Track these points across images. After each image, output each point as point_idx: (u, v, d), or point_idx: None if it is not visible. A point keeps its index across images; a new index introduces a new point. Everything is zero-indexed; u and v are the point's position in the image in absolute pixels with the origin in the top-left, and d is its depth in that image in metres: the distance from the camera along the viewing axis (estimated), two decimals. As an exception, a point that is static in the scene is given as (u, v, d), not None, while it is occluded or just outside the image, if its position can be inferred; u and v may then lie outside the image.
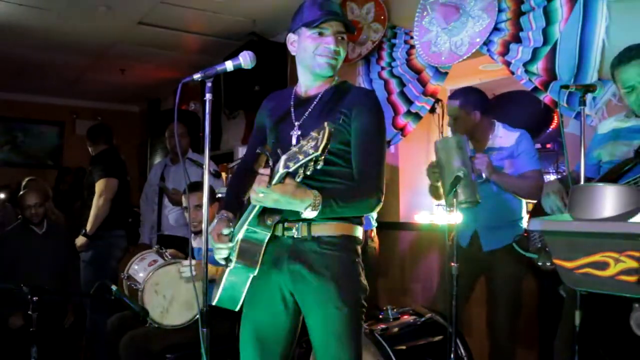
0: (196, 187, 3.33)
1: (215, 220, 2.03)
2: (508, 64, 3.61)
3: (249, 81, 5.55)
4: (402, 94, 4.35)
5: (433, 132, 4.61)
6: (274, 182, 1.70)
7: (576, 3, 3.31)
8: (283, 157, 1.66)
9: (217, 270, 2.36)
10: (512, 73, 3.60)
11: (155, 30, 5.76)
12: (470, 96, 3.26)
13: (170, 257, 3.24)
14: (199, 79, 1.91)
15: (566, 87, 2.56)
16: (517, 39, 3.58)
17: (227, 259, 2.01)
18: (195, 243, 3.39)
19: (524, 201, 3.21)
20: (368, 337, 2.81)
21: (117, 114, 9.09)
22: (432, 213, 4.26)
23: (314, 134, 1.58)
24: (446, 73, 4.06)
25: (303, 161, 1.57)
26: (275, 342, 2.07)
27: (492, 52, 3.71)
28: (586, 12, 3.28)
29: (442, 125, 4.52)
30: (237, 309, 2.06)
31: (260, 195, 1.75)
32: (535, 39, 3.48)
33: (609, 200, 0.76)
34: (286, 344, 2.09)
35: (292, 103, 2.13)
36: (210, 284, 2.02)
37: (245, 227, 1.91)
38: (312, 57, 2.02)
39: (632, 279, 0.73)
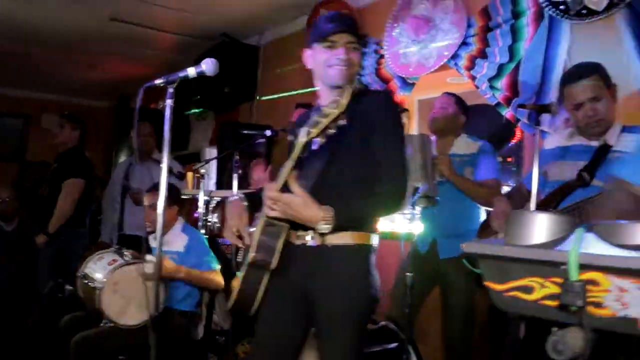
0: (157, 187, 3.31)
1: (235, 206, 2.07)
2: (473, 78, 3.68)
3: (219, 82, 5.55)
4: (370, 103, 4.40)
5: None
6: (294, 154, 1.77)
7: (542, 22, 3.39)
8: (304, 127, 1.74)
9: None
10: (477, 87, 3.67)
11: (128, 27, 5.72)
12: (462, 100, 3.42)
13: (130, 256, 3.22)
14: (161, 85, 1.92)
15: (523, 106, 2.62)
16: (483, 55, 3.65)
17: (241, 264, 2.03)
18: (155, 243, 3.38)
19: (482, 211, 3.28)
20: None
21: (85, 109, 8.91)
22: (393, 221, 4.30)
23: (335, 97, 1.69)
24: (413, 84, 4.12)
25: (324, 122, 1.67)
26: (288, 338, 2.06)
27: (459, 66, 3.77)
28: (551, 32, 3.35)
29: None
30: (252, 313, 2.02)
31: (270, 202, 1.83)
32: (501, 55, 3.55)
33: (538, 227, 0.79)
34: (298, 342, 2.09)
35: (314, 114, 2.15)
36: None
37: (263, 220, 1.92)
38: (325, 69, 2.04)
39: (553, 303, 0.76)
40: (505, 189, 3.49)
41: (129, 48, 6.42)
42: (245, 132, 4.59)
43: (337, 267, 1.94)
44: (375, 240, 2.05)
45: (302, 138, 1.73)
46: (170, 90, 1.89)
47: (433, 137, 3.43)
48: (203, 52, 5.87)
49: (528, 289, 0.79)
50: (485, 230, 2.63)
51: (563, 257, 0.74)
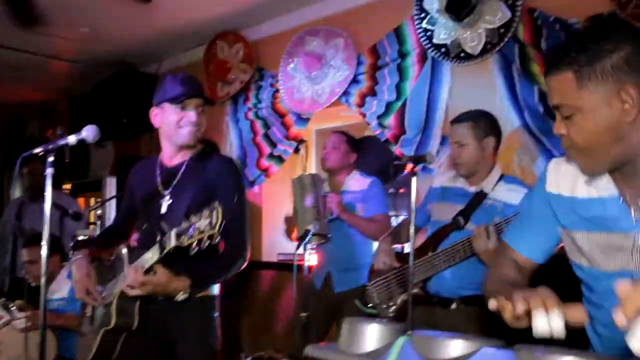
0: (36, 240, 3.23)
1: (77, 271, 2.12)
2: (364, 115, 3.84)
3: (118, 112, 5.46)
4: (267, 136, 4.48)
5: (298, 172, 4.75)
6: (165, 251, 1.84)
7: (425, 63, 3.60)
8: (173, 232, 1.81)
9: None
10: (368, 124, 3.84)
11: (18, 55, 5.52)
12: (353, 138, 3.53)
13: (17, 310, 3.12)
14: (41, 153, 1.91)
15: (399, 159, 2.76)
16: (373, 92, 3.82)
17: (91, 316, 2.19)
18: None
19: (374, 245, 3.43)
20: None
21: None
22: (290, 256, 4.40)
23: (206, 212, 1.74)
24: (308, 119, 4.23)
25: (198, 237, 1.74)
26: None
27: (350, 103, 3.93)
28: (434, 73, 3.57)
29: (305, 165, 4.68)
30: None
31: (136, 286, 1.90)
32: (389, 93, 3.73)
33: (369, 336, 0.90)
34: None
35: (158, 172, 2.25)
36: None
37: (119, 289, 2.02)
38: (175, 129, 2.14)
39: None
40: (399, 219, 3.67)
41: (22, 74, 6.18)
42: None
43: (187, 316, 2.10)
44: (215, 291, 2.24)
45: (174, 242, 1.81)
46: (50, 159, 1.88)
47: (325, 175, 3.56)
48: (100, 80, 5.76)
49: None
50: (374, 273, 2.76)
51: (384, 367, 0.85)
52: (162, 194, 2.19)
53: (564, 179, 1.42)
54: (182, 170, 2.20)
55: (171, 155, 2.23)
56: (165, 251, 1.85)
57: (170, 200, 2.16)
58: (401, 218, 4.02)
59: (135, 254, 2.03)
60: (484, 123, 2.54)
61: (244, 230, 2.19)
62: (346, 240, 3.36)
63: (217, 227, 1.73)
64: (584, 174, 1.33)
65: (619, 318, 0.89)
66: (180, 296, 1.97)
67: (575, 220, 1.38)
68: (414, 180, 2.36)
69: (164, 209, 2.16)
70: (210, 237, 1.75)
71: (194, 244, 1.77)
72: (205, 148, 2.30)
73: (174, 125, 2.13)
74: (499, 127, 2.60)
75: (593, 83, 1.19)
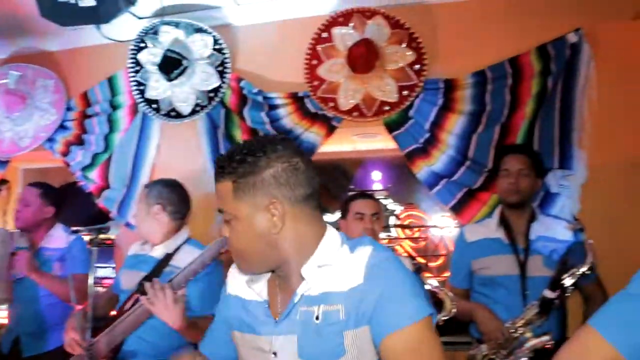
0: None
1: None
2: (68, 165, 3.67)
3: None
4: (-42, 177, 4.03)
5: (-2, 215, 4.35)
6: None
7: (136, 117, 3.57)
8: None
9: None
10: (73, 174, 3.67)
11: None
12: (50, 191, 3.24)
13: None
14: None
15: (77, 231, 2.68)
16: (80, 141, 3.66)
17: None
18: None
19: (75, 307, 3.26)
20: None
21: None
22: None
23: None
24: (8, 162, 3.91)
25: None
26: None
27: (54, 150, 3.72)
28: (143, 128, 3.56)
29: (7, 209, 4.30)
30: None
31: None
32: (97, 144, 3.61)
33: None
34: None
35: None
36: None
37: None
38: None
39: None
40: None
41: None
42: None
43: None
44: None
45: None
46: None
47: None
48: None
49: None
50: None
51: None
52: None
53: (238, 279, 1.49)
54: None
55: None
56: None
57: None
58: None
59: None
60: (155, 191, 2.54)
61: None
62: (36, 301, 3.14)
63: None
64: (241, 273, 1.43)
65: None
66: None
67: (238, 320, 1.46)
68: (94, 250, 2.32)
69: None
70: None
71: None
72: None
73: None
74: (176, 196, 2.56)
75: (247, 194, 1.30)
